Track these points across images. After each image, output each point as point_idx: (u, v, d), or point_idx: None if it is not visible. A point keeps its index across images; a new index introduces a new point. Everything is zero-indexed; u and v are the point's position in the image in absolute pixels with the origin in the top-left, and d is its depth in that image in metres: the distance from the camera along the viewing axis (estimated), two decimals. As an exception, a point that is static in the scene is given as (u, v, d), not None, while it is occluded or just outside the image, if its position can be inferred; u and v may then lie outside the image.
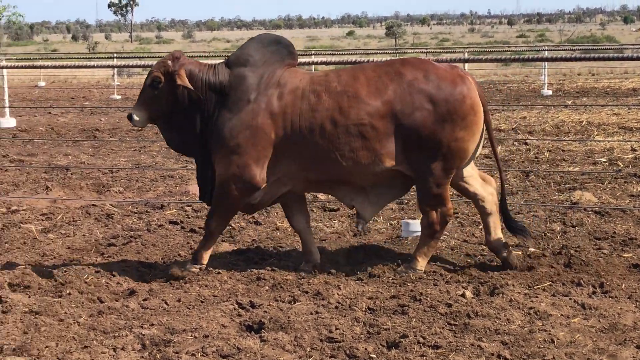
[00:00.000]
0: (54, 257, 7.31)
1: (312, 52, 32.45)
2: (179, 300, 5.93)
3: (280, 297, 5.98)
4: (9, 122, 18.09)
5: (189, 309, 5.74)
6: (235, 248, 7.47)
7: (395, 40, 65.99)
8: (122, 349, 4.96)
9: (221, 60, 6.82)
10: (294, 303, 5.81)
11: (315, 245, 6.94)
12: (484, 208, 6.72)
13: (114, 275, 6.59)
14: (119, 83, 29.07)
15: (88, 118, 19.84)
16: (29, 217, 8.93)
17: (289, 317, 5.41)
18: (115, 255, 7.34)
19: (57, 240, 7.88)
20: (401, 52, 29.19)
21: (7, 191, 10.42)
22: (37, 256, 7.34)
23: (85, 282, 6.39)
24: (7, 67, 13.38)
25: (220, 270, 6.62)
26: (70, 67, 11.03)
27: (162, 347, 4.99)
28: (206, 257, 6.68)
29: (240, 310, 5.68)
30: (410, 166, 6.38)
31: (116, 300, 6.02)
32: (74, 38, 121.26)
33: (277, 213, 8.91)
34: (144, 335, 5.14)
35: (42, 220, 8.77)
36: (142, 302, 5.91)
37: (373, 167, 6.37)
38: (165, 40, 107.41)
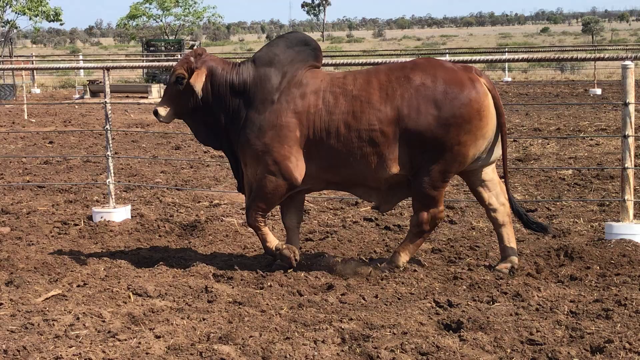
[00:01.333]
0: (255, 250, 7.54)
1: (506, 49, 31.97)
2: (376, 297, 5.97)
3: (478, 296, 5.91)
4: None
5: (387, 305, 5.77)
6: (431, 247, 7.44)
7: (592, 37, 63.89)
8: (323, 341, 5.03)
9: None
10: (493, 303, 5.72)
11: (299, 245, 6.99)
12: (497, 219, 6.65)
13: (312, 270, 6.72)
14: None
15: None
16: (229, 210, 9.25)
17: (487, 318, 5.33)
18: (312, 250, 7.47)
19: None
20: (599, 49, 28.20)
21: (209, 185, 10.85)
22: (239, 248, 7.59)
23: (285, 275, 6.54)
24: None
25: (416, 268, 6.62)
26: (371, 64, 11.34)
27: (362, 341, 5.03)
28: (287, 248, 6.72)
29: (437, 308, 5.66)
30: (411, 167, 6.40)
31: (315, 294, 6.13)
32: (268, 38, 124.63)
33: (472, 212, 8.83)
34: (343, 329, 5.21)
35: (242, 214, 9.05)
36: (341, 296, 5.99)
37: (382, 172, 6.45)
38: (356, 39, 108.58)
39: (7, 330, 5.33)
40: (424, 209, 6.46)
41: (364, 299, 5.93)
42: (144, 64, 12.17)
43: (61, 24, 34.12)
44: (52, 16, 31.99)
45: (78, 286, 6.35)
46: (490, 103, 6.36)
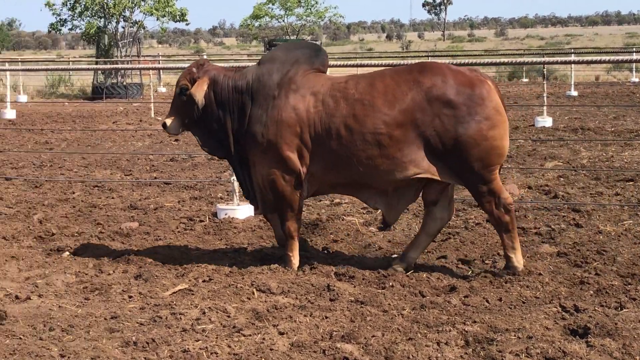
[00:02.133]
0: (376, 250, 7.54)
1: (633, 49, 31.08)
2: (500, 299, 5.89)
3: (605, 302, 5.76)
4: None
5: (511, 308, 5.69)
6: (556, 250, 7.29)
7: None
8: (446, 343, 5.00)
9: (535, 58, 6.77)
10: (621, 309, 5.57)
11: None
12: (430, 227, 6.80)
13: (434, 271, 6.68)
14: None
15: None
16: (350, 210, 9.29)
17: (616, 324, 5.19)
18: (434, 251, 7.42)
19: (378, 234, 8.11)
20: None
21: (330, 184, 10.89)
22: (360, 248, 7.61)
23: (407, 276, 6.52)
24: (333, 67, 13.99)
25: (541, 272, 6.51)
26: (383, 66, 11.37)
27: (485, 344, 4.97)
28: (296, 260, 6.82)
29: (564, 313, 5.54)
30: (449, 172, 6.41)
31: (437, 295, 6.09)
32: (388, 37, 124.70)
33: (599, 216, 8.62)
34: (466, 331, 5.15)
35: (363, 213, 9.08)
36: (464, 298, 5.94)
37: (395, 174, 6.44)
38: (478, 38, 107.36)
39: (137, 322, 5.49)
40: (490, 205, 6.46)
41: (487, 301, 5.86)
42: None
43: (187, 24, 34.94)
44: (178, 17, 32.78)
45: (204, 281, 6.49)
46: (500, 101, 6.42)
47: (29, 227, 8.54)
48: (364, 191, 6.71)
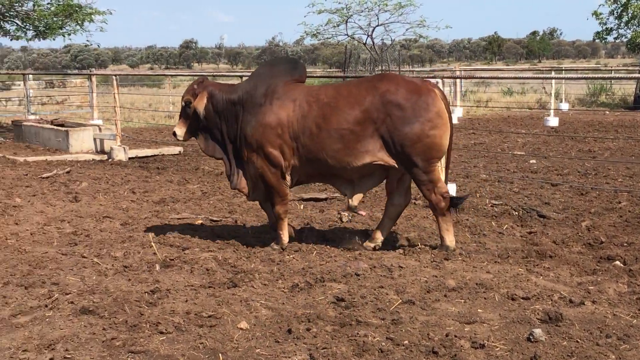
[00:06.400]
0: None
1: None
2: None
3: None
4: None
5: None
6: None
7: None
8: None
9: None
10: None
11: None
12: (391, 212, 8.11)
13: None
14: None
15: None
16: None
17: None
18: None
19: None
20: None
21: None
22: None
23: None
24: None
25: None
26: None
27: None
28: (285, 237, 8.06)
29: None
30: (398, 162, 7.55)
31: None
32: None
33: None
34: None
35: None
36: None
37: (355, 162, 7.57)
38: None
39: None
40: (430, 193, 7.61)
41: None
42: None
43: None
44: None
45: None
46: (443, 106, 7.53)
47: (577, 233, 8.68)
48: (336, 180, 7.89)
